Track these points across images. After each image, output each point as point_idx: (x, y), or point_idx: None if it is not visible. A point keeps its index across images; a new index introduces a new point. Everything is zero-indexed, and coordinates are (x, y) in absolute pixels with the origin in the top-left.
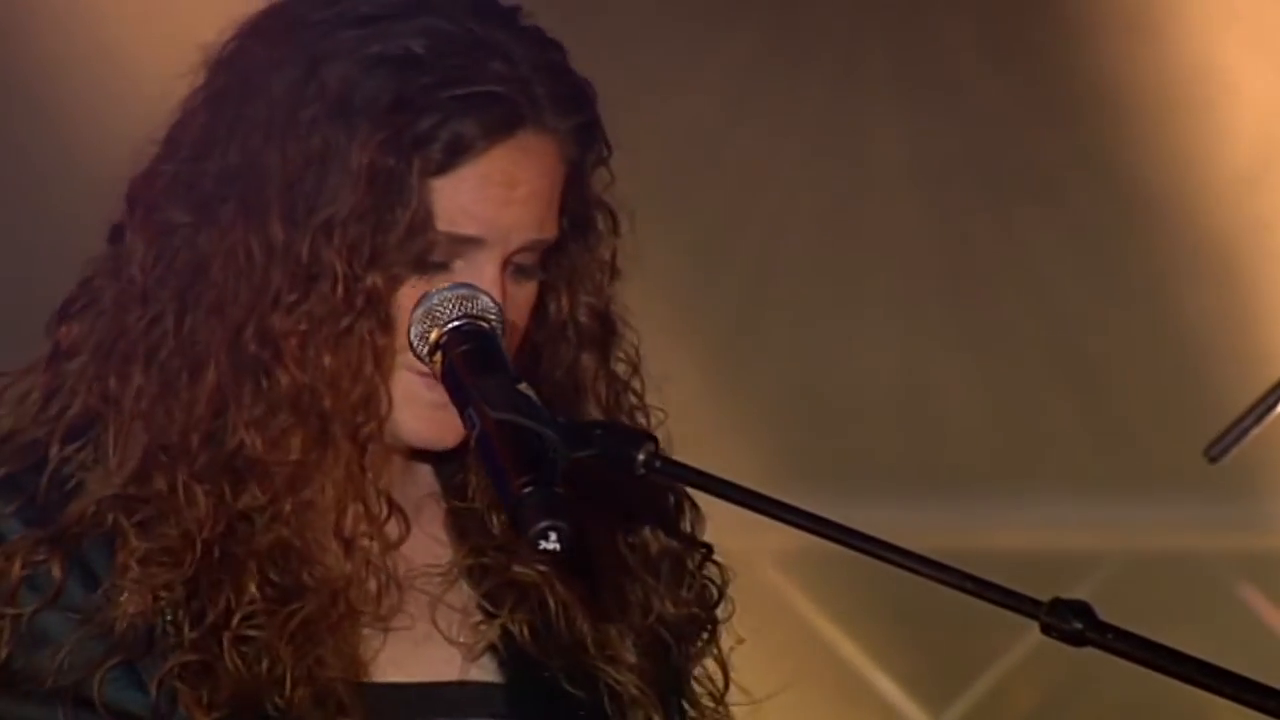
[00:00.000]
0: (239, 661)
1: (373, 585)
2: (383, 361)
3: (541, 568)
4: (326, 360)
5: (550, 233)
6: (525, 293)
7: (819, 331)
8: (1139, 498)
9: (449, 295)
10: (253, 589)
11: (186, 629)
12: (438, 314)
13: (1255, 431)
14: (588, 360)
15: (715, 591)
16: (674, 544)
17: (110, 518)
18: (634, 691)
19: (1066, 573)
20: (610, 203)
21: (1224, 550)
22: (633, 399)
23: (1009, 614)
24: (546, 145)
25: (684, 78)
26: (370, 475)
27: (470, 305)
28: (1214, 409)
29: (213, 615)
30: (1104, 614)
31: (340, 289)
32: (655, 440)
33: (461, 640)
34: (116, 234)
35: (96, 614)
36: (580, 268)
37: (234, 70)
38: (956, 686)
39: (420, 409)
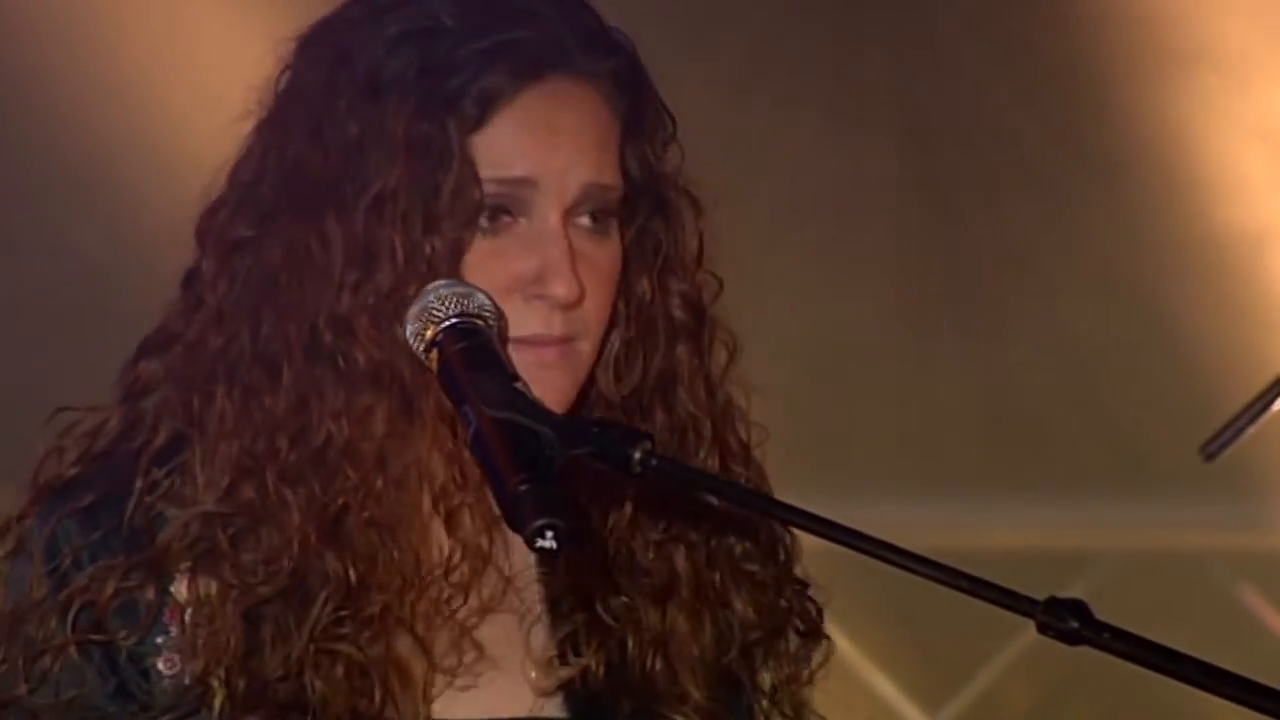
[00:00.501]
0: (325, 681)
1: (468, 567)
2: None
3: (627, 601)
4: (400, 333)
5: (609, 179)
6: (604, 254)
7: (814, 329)
8: (1135, 496)
9: (446, 293)
10: (334, 605)
11: (241, 685)
12: (434, 312)
13: (1251, 430)
14: (683, 352)
15: (801, 624)
16: (761, 571)
17: (203, 540)
18: None
19: (1062, 571)
20: (688, 187)
21: (1220, 549)
22: (729, 398)
23: (1005, 613)
24: (584, 90)
25: (671, 82)
26: (462, 445)
27: (467, 303)
28: (1210, 407)
29: (277, 663)
30: (1100, 613)
31: (400, 260)
32: (651, 439)
33: (534, 675)
34: (189, 279)
35: (133, 666)
36: (666, 252)
37: (278, 94)
38: (953, 685)
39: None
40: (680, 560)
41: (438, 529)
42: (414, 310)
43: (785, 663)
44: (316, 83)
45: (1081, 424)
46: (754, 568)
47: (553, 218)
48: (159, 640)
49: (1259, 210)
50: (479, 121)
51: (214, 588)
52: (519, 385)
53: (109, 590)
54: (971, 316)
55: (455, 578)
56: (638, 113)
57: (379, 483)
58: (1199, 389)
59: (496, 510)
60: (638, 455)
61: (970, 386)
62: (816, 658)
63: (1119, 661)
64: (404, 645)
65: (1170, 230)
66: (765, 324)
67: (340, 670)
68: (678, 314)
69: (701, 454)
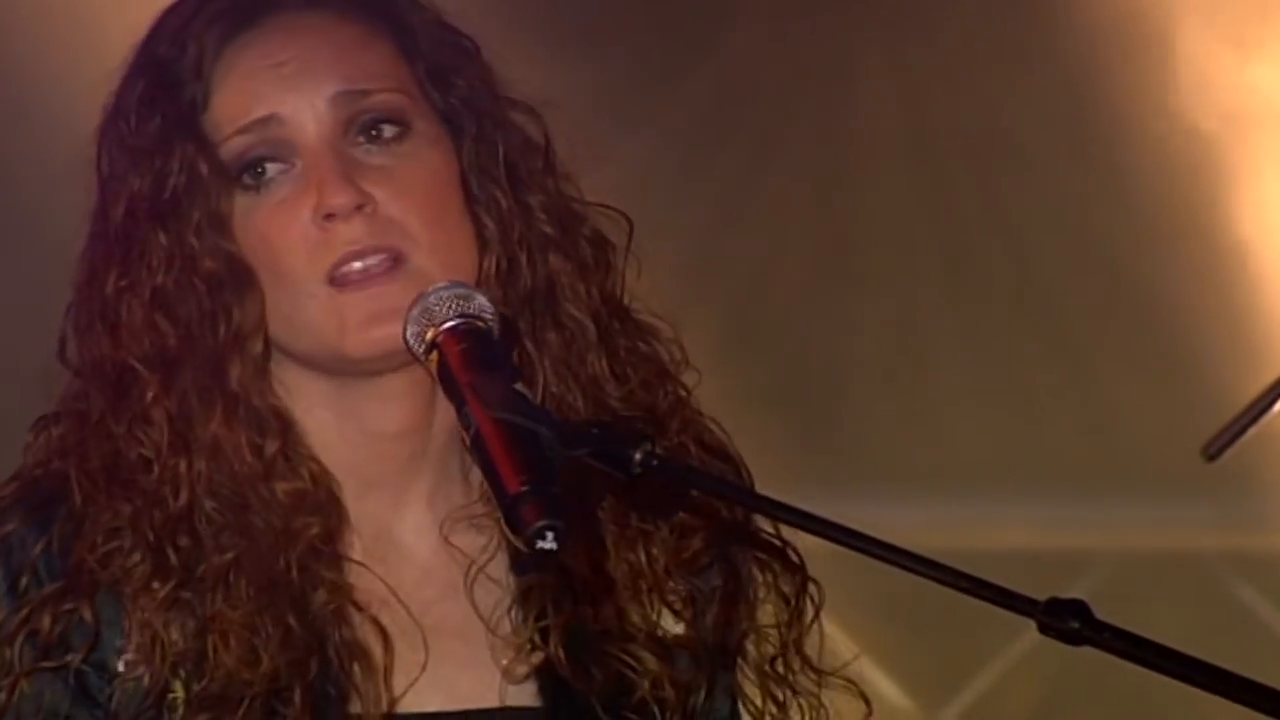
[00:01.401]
0: (229, 657)
1: (308, 518)
2: (225, 294)
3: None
4: (160, 320)
5: (366, 84)
6: (407, 164)
7: (816, 332)
8: (1136, 496)
9: (445, 295)
10: (214, 585)
11: (195, 688)
12: (434, 313)
13: (1252, 430)
14: (556, 261)
15: (764, 549)
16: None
17: (108, 555)
18: (649, 667)
19: (1063, 571)
20: (524, 99)
21: (1221, 549)
22: (618, 303)
23: (1006, 613)
24: (307, 19)
25: (662, 89)
26: (263, 400)
27: (466, 305)
28: (1211, 408)
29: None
30: (1100, 613)
31: (155, 248)
32: (652, 440)
33: (505, 662)
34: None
35: (107, 676)
36: (509, 162)
37: None
38: (954, 685)
39: (360, 322)
40: (600, 494)
41: (267, 483)
42: (414, 313)
43: (784, 629)
44: (98, 142)
45: (1083, 424)
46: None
47: (310, 139)
48: (119, 643)
49: (1261, 208)
50: (204, 95)
51: (153, 591)
52: (519, 386)
53: (46, 619)
54: (973, 316)
55: (297, 527)
56: (404, 24)
57: (183, 465)
58: (1200, 389)
59: (331, 464)
60: (638, 456)
61: (971, 386)
62: (814, 603)
63: (1120, 661)
64: (299, 612)
65: (1173, 230)
66: (765, 325)
67: (235, 645)
68: (543, 226)
69: (590, 358)
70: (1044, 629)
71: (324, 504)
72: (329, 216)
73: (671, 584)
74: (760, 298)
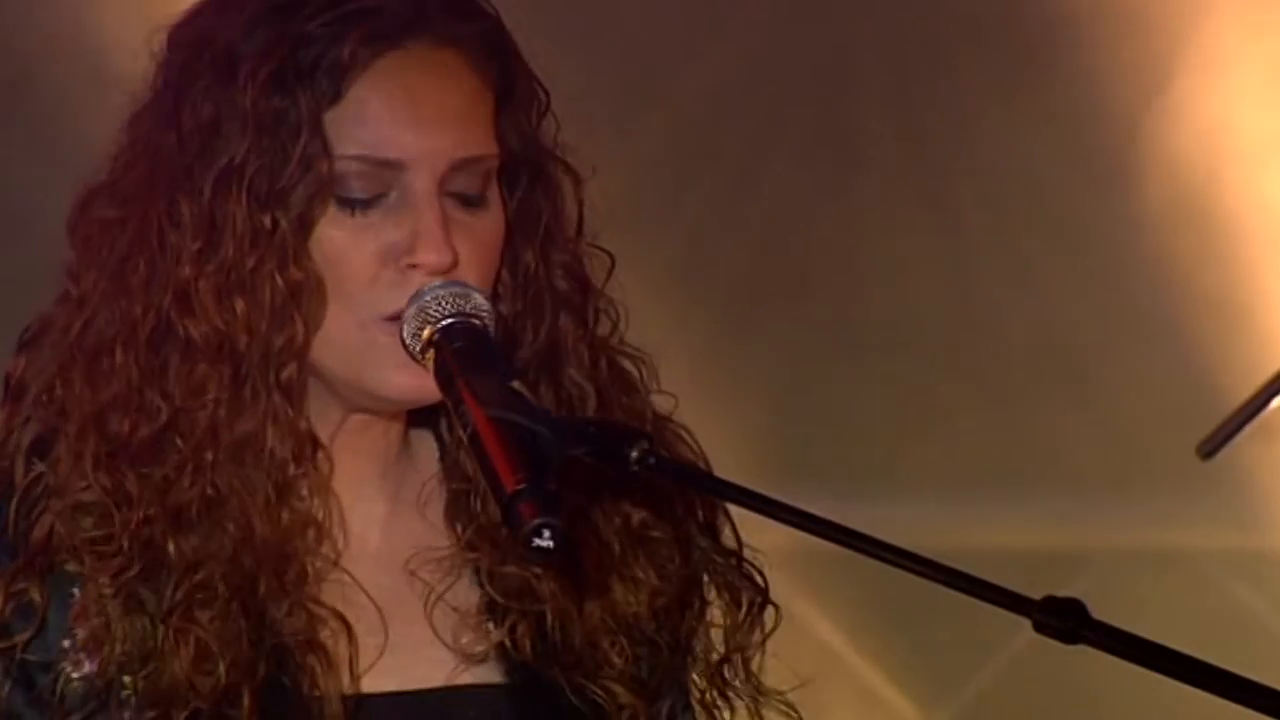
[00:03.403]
0: (180, 663)
1: (311, 533)
2: (301, 301)
3: (537, 571)
4: (238, 305)
5: (480, 150)
6: (483, 224)
7: (814, 329)
8: (1131, 495)
9: (442, 293)
10: (183, 585)
11: (140, 683)
12: (430, 311)
13: (1248, 429)
14: (567, 323)
15: (730, 590)
16: (661, 534)
17: (73, 533)
18: (622, 701)
19: (1059, 570)
20: (564, 155)
21: (1216, 548)
22: (619, 367)
23: (1002, 612)
24: (446, 56)
25: (669, 81)
26: (302, 419)
27: (463, 303)
28: (1206, 406)
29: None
30: (1096, 612)
31: (243, 231)
32: (649, 437)
33: (464, 642)
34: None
35: (53, 664)
36: (547, 223)
37: (150, 85)
38: (949, 684)
39: (396, 361)
40: (584, 532)
41: (271, 496)
42: (411, 310)
43: (731, 634)
44: (178, 68)
45: (1078, 423)
46: (654, 533)
47: (422, 187)
48: (65, 644)
49: (1257, 207)
50: (334, 94)
51: (104, 584)
52: (516, 385)
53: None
54: (970, 315)
55: (290, 550)
56: (509, 80)
57: (209, 455)
58: (1195, 387)
59: (336, 486)
60: (635, 454)
61: (967, 385)
62: (762, 626)
63: (1115, 660)
64: (256, 622)
65: (1170, 229)
66: (763, 323)
67: (190, 650)
68: (560, 284)
69: None
70: (1040, 628)
71: (323, 529)
72: (414, 266)
73: (642, 627)
74: (756, 297)
